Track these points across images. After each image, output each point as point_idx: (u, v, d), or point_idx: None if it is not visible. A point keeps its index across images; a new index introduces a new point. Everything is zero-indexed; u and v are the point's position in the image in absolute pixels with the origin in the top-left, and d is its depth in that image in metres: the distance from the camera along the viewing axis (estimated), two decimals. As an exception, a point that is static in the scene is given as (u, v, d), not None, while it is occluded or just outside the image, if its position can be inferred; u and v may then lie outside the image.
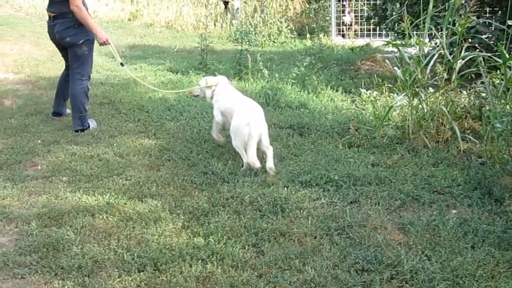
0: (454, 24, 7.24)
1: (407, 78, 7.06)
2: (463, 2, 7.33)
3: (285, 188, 5.71)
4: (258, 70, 10.31)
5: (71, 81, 7.84)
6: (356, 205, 5.39)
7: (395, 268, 4.24)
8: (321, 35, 15.18)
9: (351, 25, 15.96)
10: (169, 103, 8.88)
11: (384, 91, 8.44)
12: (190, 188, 5.82)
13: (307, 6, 18.95)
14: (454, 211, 5.22)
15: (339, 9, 15.99)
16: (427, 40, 8.31)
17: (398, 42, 8.86)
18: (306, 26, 16.82)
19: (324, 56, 12.40)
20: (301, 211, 5.21)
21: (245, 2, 19.31)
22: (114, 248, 4.64)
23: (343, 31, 16.01)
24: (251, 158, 6.11)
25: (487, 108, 6.92)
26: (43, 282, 4.24)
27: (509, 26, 6.94)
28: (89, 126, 7.82)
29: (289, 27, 16.61)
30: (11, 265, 4.47)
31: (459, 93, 7.55)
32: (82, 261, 4.43)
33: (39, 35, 15.49)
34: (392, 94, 8.15)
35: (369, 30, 15.17)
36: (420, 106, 7.16)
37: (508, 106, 6.54)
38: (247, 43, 13.98)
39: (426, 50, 7.62)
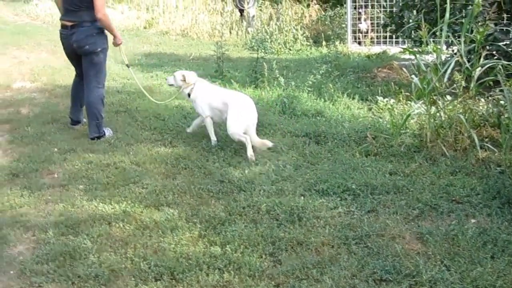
0: (471, 32, 7.19)
1: (424, 86, 7.02)
2: (481, 9, 7.27)
3: (302, 197, 5.70)
4: (274, 78, 10.29)
5: (87, 89, 7.82)
6: (373, 214, 5.35)
7: (414, 278, 4.21)
8: (337, 43, 15.14)
9: (367, 32, 15.90)
10: (185, 111, 8.87)
11: (401, 99, 8.40)
12: (206, 196, 5.82)
13: (323, 13, 18.92)
14: (473, 221, 5.17)
15: (355, 16, 15.93)
16: (444, 47, 8.26)
17: (415, 49, 8.81)
18: (322, 34, 16.76)
19: (340, 64, 12.34)
20: (318, 220, 5.19)
21: (260, 10, 19.33)
22: (131, 257, 4.64)
23: (359, 38, 15.95)
24: (258, 141, 6.94)
25: (505, 116, 6.87)
26: (60, 291, 4.25)
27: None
28: (104, 134, 7.83)
29: (304, 35, 16.56)
30: (28, 273, 4.48)
31: (477, 101, 7.49)
32: (99, 270, 4.44)
33: (56, 44, 15.51)
34: (409, 102, 8.10)
35: (385, 37, 15.09)
36: (438, 114, 7.11)
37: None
38: (263, 50, 13.96)
39: (443, 57, 7.57)
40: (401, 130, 7.23)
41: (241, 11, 18.62)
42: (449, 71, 6.92)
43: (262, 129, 7.88)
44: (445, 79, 7.00)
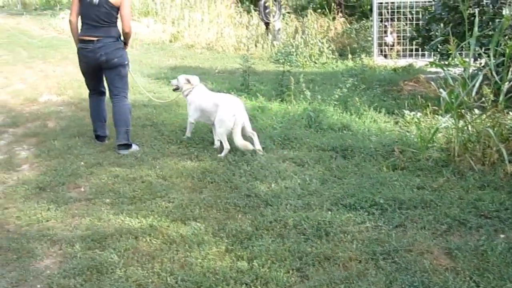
0: (499, 45, 7.14)
1: (453, 100, 6.96)
2: (510, 22, 7.21)
3: (329, 212, 5.66)
4: (300, 92, 10.27)
5: (116, 100, 8.03)
6: (401, 229, 5.31)
7: (443, 295, 4.16)
8: (362, 56, 15.11)
9: (393, 45, 15.83)
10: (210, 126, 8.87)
11: (428, 112, 8.34)
12: (233, 211, 5.80)
13: (348, 26, 18.89)
14: (502, 236, 5.10)
15: (381, 29, 15.88)
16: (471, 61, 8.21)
17: (442, 62, 8.76)
18: (348, 47, 16.74)
19: (366, 77, 12.28)
20: (346, 235, 5.16)
21: (286, 23, 19.34)
22: (158, 272, 4.64)
23: (385, 51, 15.89)
24: (240, 142, 7.44)
25: (535, 130, 6.80)
26: (87, 305, 4.26)
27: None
28: (131, 145, 7.91)
29: (330, 48, 16.51)
30: (56, 287, 4.48)
31: (506, 114, 7.41)
32: (126, 284, 4.44)
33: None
34: (436, 115, 8.05)
35: (411, 50, 15.02)
36: (465, 128, 7.05)
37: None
38: (288, 64, 13.96)
39: (470, 70, 7.51)
40: (429, 144, 7.17)
41: (267, 24, 18.64)
42: (477, 84, 6.87)
43: (288, 142, 7.88)
44: (474, 93, 6.94)
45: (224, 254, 4.90)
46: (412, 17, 14.97)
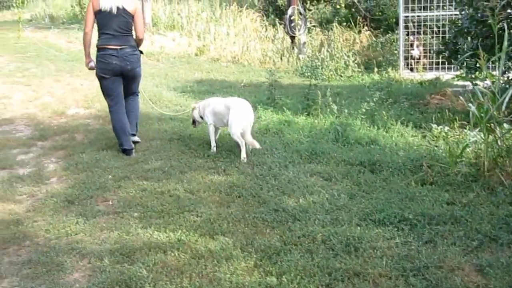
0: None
1: (482, 114, 6.90)
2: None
3: (358, 227, 5.62)
4: (327, 105, 10.25)
5: (133, 100, 8.85)
6: (431, 245, 5.25)
7: (475, 312, 4.11)
8: (389, 69, 15.07)
9: (419, 58, 15.78)
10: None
11: (455, 126, 8.28)
12: (261, 225, 5.79)
13: (374, 39, 18.88)
14: (534, 253, 5.04)
15: (407, 42, 15.83)
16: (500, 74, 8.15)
17: (469, 76, 8.71)
18: (374, 60, 16.73)
19: (393, 91, 12.24)
20: (375, 250, 5.12)
21: (311, 37, 19.36)
22: (187, 286, 4.64)
23: (411, 64, 15.84)
24: (249, 139, 7.93)
25: None
26: (117, 320, 4.26)
27: None
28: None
29: (356, 61, 16.50)
30: (85, 302, 4.50)
31: (536, 128, 7.34)
32: (155, 300, 4.43)
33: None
34: (463, 129, 7.98)
35: (438, 64, 14.94)
36: (495, 142, 6.98)
37: None
38: (314, 77, 13.95)
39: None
40: (457, 159, 7.11)
41: (292, 37, 18.66)
42: (507, 99, 6.81)
43: (315, 157, 7.86)
44: (504, 107, 6.88)
45: (253, 269, 4.88)
46: (438, 30, 14.91)
